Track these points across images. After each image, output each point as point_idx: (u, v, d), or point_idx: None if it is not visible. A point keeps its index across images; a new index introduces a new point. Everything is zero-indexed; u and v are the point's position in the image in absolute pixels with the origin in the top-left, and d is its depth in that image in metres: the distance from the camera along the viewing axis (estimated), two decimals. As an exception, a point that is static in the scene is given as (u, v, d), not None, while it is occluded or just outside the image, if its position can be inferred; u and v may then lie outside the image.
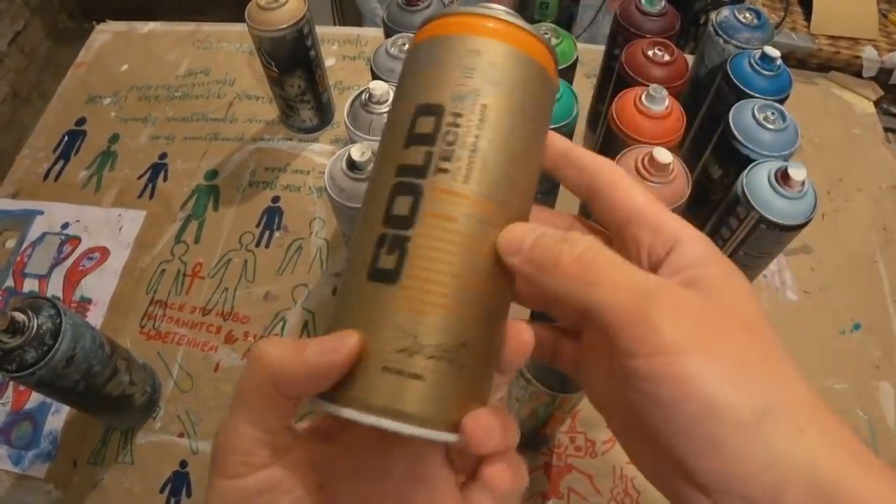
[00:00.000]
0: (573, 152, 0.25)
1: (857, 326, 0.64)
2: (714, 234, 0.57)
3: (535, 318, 0.36)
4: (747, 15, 0.63)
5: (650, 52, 0.61)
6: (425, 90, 0.22)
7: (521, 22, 0.23)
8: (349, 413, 0.20)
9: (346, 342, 0.20)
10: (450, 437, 0.20)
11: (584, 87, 0.80)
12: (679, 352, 0.19)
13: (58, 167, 0.78)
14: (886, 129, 0.81)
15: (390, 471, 0.24)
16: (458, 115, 0.21)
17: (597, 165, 0.25)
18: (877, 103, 0.83)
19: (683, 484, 0.20)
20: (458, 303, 0.21)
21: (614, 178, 0.24)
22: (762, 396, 0.19)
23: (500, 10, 0.23)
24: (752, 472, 0.18)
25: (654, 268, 0.23)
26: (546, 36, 0.61)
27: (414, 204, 0.21)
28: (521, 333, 0.23)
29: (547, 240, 0.22)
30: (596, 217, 0.25)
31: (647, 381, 0.19)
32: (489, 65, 0.22)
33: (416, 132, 0.22)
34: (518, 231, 0.22)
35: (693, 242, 0.22)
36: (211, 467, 0.23)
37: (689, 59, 0.65)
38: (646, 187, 0.25)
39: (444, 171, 0.21)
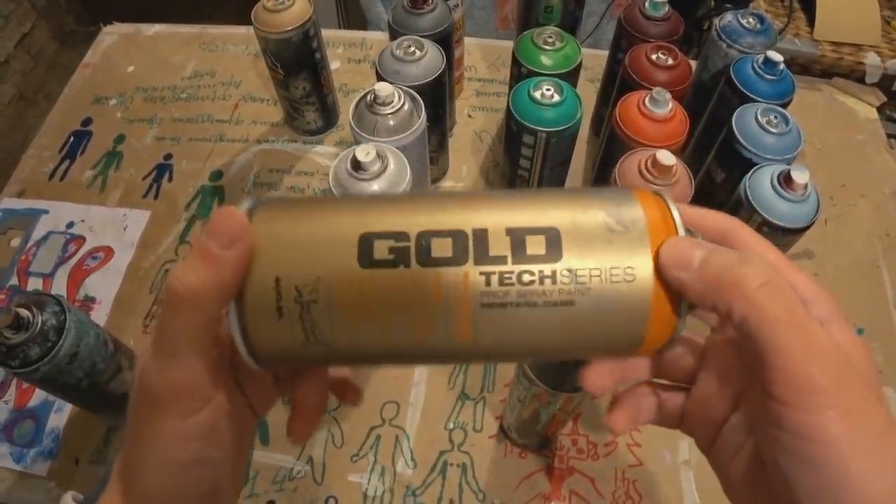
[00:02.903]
0: (702, 218, 0.26)
1: (859, 331, 0.63)
2: (717, 238, 0.57)
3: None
4: (751, 20, 0.63)
5: (654, 56, 0.61)
6: None
7: None
8: None
9: (236, 216, 0.22)
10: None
11: (588, 92, 0.80)
12: (833, 417, 0.19)
13: (63, 167, 0.78)
14: (889, 135, 0.81)
15: None
16: None
17: (727, 224, 0.25)
18: (880, 109, 0.84)
19: None
20: None
21: (744, 230, 0.25)
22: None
23: None
24: None
25: None
26: None
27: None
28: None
29: (724, 259, 0.21)
30: None
31: (790, 435, 0.20)
32: None
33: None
34: (682, 246, 0.22)
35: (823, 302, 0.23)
36: (153, 408, 0.23)
37: (693, 63, 0.65)
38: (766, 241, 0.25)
39: None
